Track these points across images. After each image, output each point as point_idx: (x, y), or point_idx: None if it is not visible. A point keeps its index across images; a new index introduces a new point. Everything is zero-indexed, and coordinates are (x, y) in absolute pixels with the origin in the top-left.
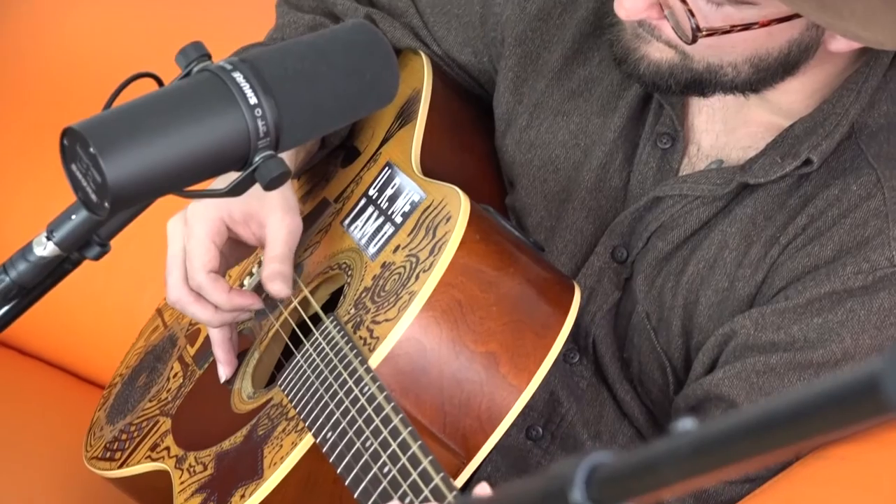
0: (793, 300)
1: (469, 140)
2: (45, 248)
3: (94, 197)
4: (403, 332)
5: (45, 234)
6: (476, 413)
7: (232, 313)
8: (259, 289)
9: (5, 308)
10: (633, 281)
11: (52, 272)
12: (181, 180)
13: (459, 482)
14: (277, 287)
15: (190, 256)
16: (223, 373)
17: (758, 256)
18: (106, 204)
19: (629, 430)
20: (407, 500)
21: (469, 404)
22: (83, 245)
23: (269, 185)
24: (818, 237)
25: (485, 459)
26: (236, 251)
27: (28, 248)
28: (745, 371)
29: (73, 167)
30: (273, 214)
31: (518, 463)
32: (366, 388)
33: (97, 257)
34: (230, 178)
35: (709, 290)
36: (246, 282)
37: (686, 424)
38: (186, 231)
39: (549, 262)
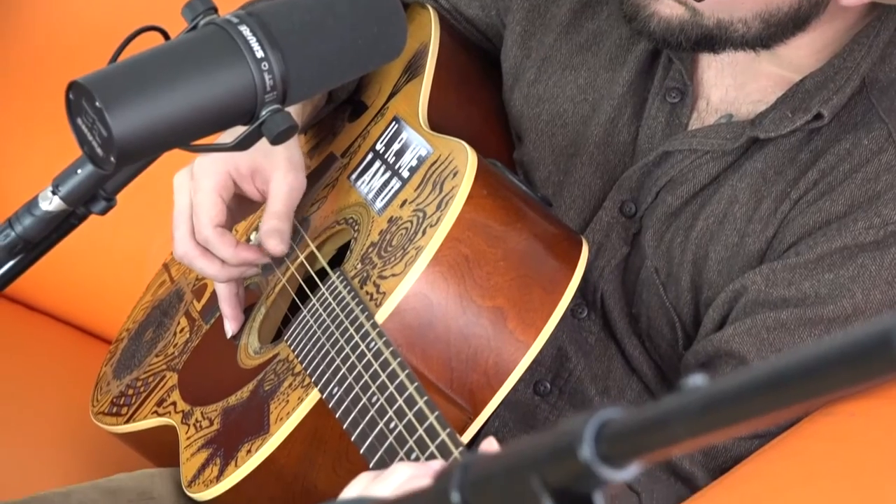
0: (804, 256)
1: (476, 94)
2: (50, 203)
3: (99, 151)
4: (410, 288)
5: (50, 188)
6: (483, 368)
7: (239, 268)
8: None
9: (10, 263)
10: (641, 236)
11: (58, 227)
12: (187, 134)
13: (466, 438)
14: (273, 243)
15: (197, 211)
16: (229, 328)
17: (768, 212)
18: (112, 158)
19: (637, 386)
20: (413, 455)
21: (476, 360)
22: (89, 199)
23: (276, 140)
24: (829, 192)
25: (492, 415)
26: (243, 206)
27: (33, 202)
28: (755, 327)
29: (79, 121)
30: (277, 170)
31: (526, 418)
32: (372, 344)
33: (103, 212)
34: (237, 132)
35: (718, 245)
36: (252, 237)
37: (696, 380)
38: (193, 185)
39: (557, 217)
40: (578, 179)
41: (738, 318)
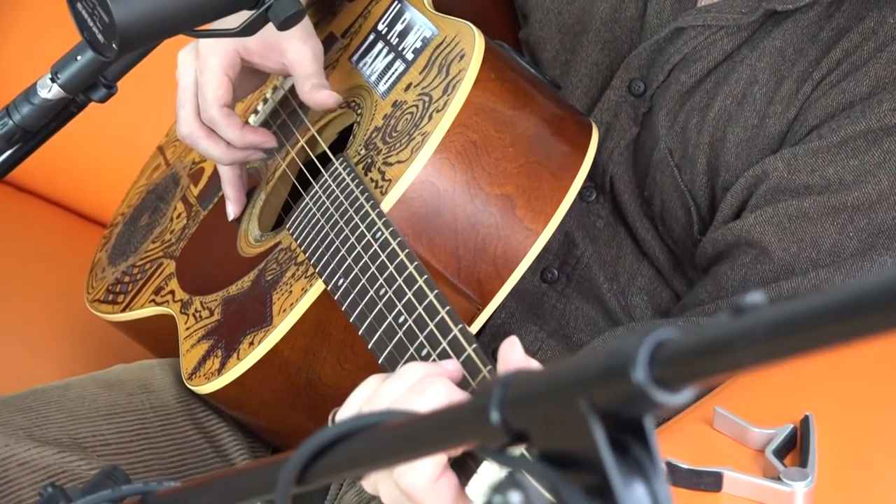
0: (826, 139)
1: None
2: (49, 91)
3: (100, 38)
4: (417, 175)
5: (49, 75)
6: (491, 258)
7: (244, 151)
8: (273, 119)
9: (8, 152)
10: (654, 116)
11: (57, 115)
12: (191, 19)
13: (474, 329)
14: (324, 95)
15: (203, 90)
16: (232, 210)
17: (789, 92)
18: (114, 45)
19: (648, 272)
20: (423, 352)
21: (484, 249)
22: (89, 87)
23: (283, 25)
24: (853, 72)
25: (499, 306)
26: (246, 83)
27: (32, 90)
28: (776, 216)
29: (79, 6)
30: (292, 41)
31: (533, 308)
32: (378, 234)
33: (103, 99)
34: (242, 17)
35: (737, 126)
36: (251, 119)
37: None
38: (199, 64)
39: (566, 100)
40: (585, 58)
41: (758, 206)
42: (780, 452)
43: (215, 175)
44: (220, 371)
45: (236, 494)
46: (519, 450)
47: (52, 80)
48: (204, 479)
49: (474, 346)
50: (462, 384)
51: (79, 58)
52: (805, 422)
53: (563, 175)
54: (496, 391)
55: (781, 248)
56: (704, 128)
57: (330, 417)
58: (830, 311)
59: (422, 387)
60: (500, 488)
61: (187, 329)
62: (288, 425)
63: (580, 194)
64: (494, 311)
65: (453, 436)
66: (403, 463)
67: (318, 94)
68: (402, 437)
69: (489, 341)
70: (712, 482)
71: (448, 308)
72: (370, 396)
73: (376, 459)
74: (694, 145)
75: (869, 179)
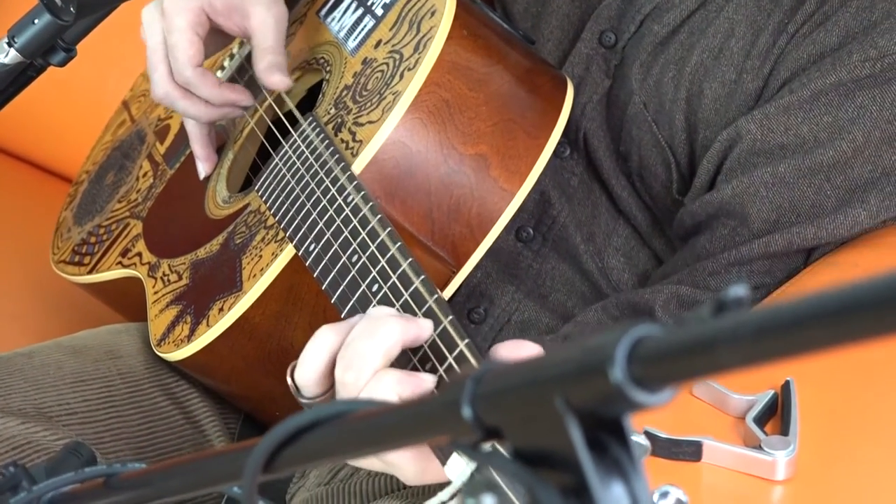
0: (797, 94)
1: None
2: (6, 55)
3: (58, 1)
4: (388, 135)
5: (5, 39)
6: (466, 219)
7: (223, 109)
8: (240, 75)
9: None
10: (626, 69)
11: (15, 80)
12: None
13: (449, 291)
14: (277, 79)
15: (173, 51)
16: (203, 169)
17: (766, 46)
18: (71, 8)
19: (625, 230)
20: None
21: (458, 210)
22: (47, 51)
23: None
24: (824, 23)
25: (475, 267)
26: (213, 42)
27: None
28: (753, 185)
29: None
30: (257, 6)
31: (509, 268)
32: (350, 198)
33: (62, 63)
34: None
35: (714, 82)
36: (218, 75)
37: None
38: (166, 23)
39: (541, 56)
40: (556, 10)
41: (734, 174)
42: (761, 420)
43: (182, 133)
44: (189, 338)
45: (202, 480)
46: (492, 446)
47: (9, 45)
48: (169, 463)
49: (450, 317)
50: (438, 356)
51: (36, 21)
52: (786, 387)
53: (537, 133)
54: (468, 385)
55: (760, 218)
56: (681, 83)
57: (288, 372)
58: (819, 315)
59: (374, 328)
60: (473, 490)
61: (155, 293)
62: (260, 392)
63: (554, 150)
64: (469, 273)
65: (424, 428)
66: (372, 454)
67: (272, 76)
68: (371, 428)
69: (464, 301)
70: (692, 451)
71: (423, 277)
72: (341, 357)
73: (345, 449)
74: (671, 100)
75: (843, 136)
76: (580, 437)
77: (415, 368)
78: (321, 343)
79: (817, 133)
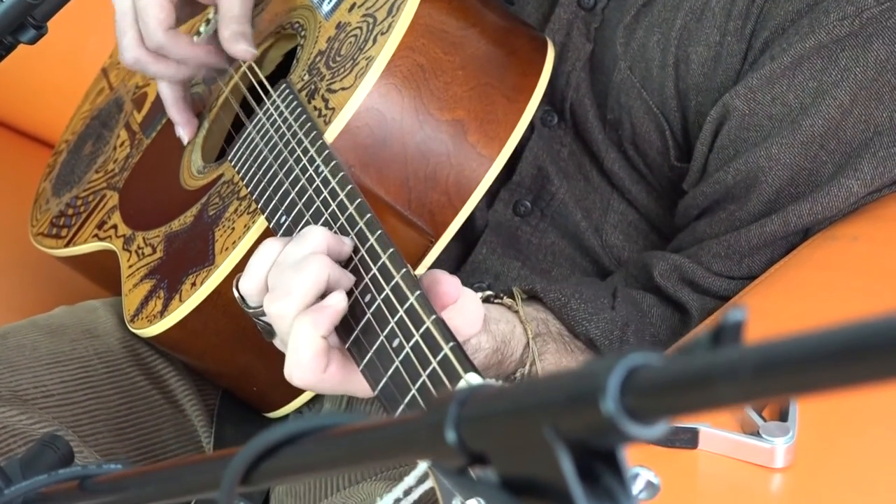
0: (779, 60)
1: None
2: None
3: None
4: (361, 102)
5: None
6: (444, 187)
7: (197, 66)
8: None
9: None
10: (608, 31)
11: None
12: None
13: (429, 261)
14: (242, 48)
15: (143, 16)
16: (184, 134)
17: (745, 4)
18: None
19: (621, 205)
20: (367, 296)
21: (436, 178)
22: (17, 28)
23: None
24: None
25: (479, 241)
26: (187, 8)
27: None
28: (749, 170)
29: None
30: None
31: (511, 242)
32: (320, 169)
33: (33, 41)
34: None
35: (699, 45)
36: (202, 29)
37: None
38: None
39: (519, 16)
40: None
41: (728, 157)
42: (759, 405)
43: (159, 101)
44: (162, 313)
45: (179, 489)
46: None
47: None
48: (146, 469)
49: (418, 293)
50: (404, 333)
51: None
52: None
53: (517, 97)
54: (452, 408)
55: (760, 201)
56: (668, 48)
57: (234, 285)
58: (824, 354)
59: (302, 265)
60: None
61: (130, 267)
62: (236, 368)
63: (542, 119)
64: (474, 248)
65: (407, 449)
66: (353, 470)
67: (236, 46)
68: (352, 445)
69: (467, 277)
70: (688, 439)
71: (391, 251)
72: (275, 263)
73: (325, 465)
74: (659, 66)
75: (829, 101)
76: (571, 467)
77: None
78: (265, 255)
79: (803, 99)
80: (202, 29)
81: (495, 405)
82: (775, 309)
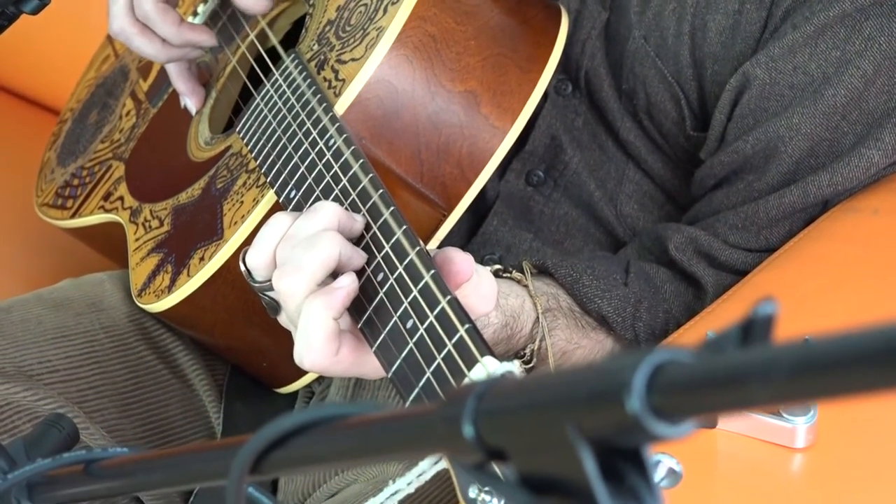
0: (801, 30)
1: None
2: None
3: None
4: (372, 73)
5: None
6: (456, 159)
7: (181, 49)
8: (213, 21)
9: None
10: (624, 0)
11: None
12: None
13: (441, 234)
14: (252, 1)
15: None
16: (191, 104)
17: None
18: None
19: (636, 175)
20: (380, 275)
21: (448, 150)
22: None
23: None
24: None
25: (490, 212)
26: None
27: None
28: (769, 139)
29: None
30: None
31: (524, 214)
32: (332, 141)
33: (35, 11)
34: None
35: (717, 13)
36: (200, 9)
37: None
38: None
39: None
40: None
41: (748, 126)
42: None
43: (165, 69)
44: (170, 288)
45: (186, 477)
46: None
47: None
48: (153, 455)
49: (432, 272)
50: (418, 314)
51: None
52: None
53: (530, 67)
54: (469, 402)
55: (779, 171)
56: (684, 16)
57: (241, 258)
58: (865, 356)
59: (314, 241)
60: None
61: (137, 240)
62: (245, 343)
63: (556, 88)
64: (485, 219)
65: (422, 443)
66: (365, 464)
67: None
68: (365, 438)
69: (478, 248)
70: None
71: (405, 227)
72: (284, 237)
73: (337, 457)
74: (674, 35)
75: (852, 71)
76: (594, 466)
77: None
78: (274, 228)
79: (826, 69)
80: (199, 9)
81: (515, 400)
82: (794, 283)
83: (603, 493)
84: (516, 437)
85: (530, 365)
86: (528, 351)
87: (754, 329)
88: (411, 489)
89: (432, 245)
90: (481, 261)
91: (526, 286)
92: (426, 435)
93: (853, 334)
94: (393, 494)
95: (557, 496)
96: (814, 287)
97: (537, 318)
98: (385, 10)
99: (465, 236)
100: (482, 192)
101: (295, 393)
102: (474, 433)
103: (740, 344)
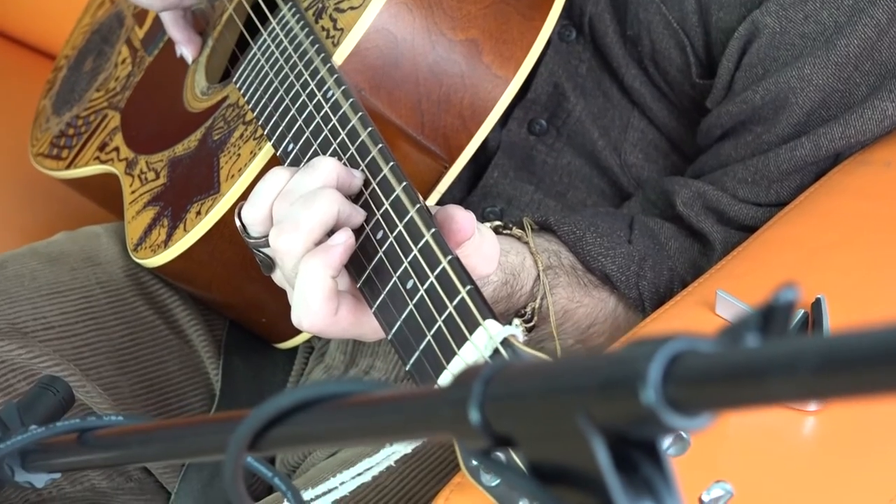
0: None
1: None
2: None
3: None
4: (371, 23)
5: None
6: (457, 110)
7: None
8: None
9: None
10: None
11: None
12: None
13: (443, 187)
14: None
15: None
16: (187, 53)
17: None
18: None
19: (641, 123)
20: (380, 233)
21: (449, 100)
22: None
23: None
24: None
25: (490, 165)
26: None
27: None
28: (779, 89)
29: None
30: None
31: (526, 164)
32: (330, 93)
33: None
34: None
35: None
36: None
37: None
38: None
39: None
40: None
41: (757, 76)
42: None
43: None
44: (166, 243)
45: (183, 450)
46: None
47: None
48: (150, 426)
49: (433, 230)
50: (418, 274)
51: None
52: (817, 305)
53: (533, 15)
54: (476, 386)
55: (789, 123)
56: None
57: (236, 213)
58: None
59: (311, 199)
60: None
61: (132, 192)
62: (243, 298)
63: (559, 33)
64: (485, 172)
65: (427, 426)
66: (365, 444)
67: None
68: (368, 418)
69: (479, 200)
70: None
71: (405, 184)
72: (282, 192)
73: (337, 437)
74: None
75: (865, 20)
76: (607, 457)
77: None
78: (271, 184)
79: (838, 18)
80: None
81: (524, 385)
82: (805, 238)
83: (616, 485)
84: (525, 424)
85: (531, 324)
86: (528, 309)
87: (775, 316)
88: (408, 450)
89: (433, 197)
90: (482, 214)
91: (526, 243)
92: (431, 418)
93: (880, 330)
94: (391, 454)
95: (567, 486)
96: (826, 242)
97: (538, 275)
98: None
99: (465, 189)
100: (483, 143)
101: (294, 348)
102: (481, 419)
103: (760, 331)
